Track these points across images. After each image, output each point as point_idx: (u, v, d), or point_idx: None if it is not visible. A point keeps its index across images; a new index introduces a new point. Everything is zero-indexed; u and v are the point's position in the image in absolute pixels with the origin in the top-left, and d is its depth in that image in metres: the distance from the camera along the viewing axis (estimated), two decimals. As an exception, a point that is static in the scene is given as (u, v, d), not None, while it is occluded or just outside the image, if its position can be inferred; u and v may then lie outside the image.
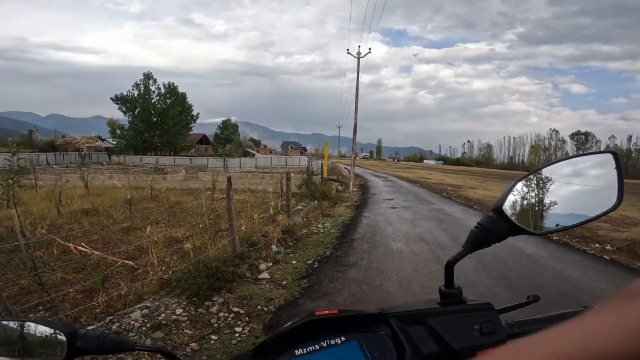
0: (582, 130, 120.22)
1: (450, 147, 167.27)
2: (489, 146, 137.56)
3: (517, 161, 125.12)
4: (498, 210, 0.65)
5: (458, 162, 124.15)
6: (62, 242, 5.61)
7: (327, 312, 0.63)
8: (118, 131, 52.80)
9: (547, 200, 0.69)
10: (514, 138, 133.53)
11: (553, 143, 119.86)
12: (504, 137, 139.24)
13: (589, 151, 0.69)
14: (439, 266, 5.22)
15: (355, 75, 18.48)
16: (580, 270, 5.21)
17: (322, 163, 20.34)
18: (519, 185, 0.69)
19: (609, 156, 0.67)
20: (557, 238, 7.11)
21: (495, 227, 0.65)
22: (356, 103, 18.33)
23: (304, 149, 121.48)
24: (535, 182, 0.70)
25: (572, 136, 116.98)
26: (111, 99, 50.82)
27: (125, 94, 50.92)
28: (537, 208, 0.69)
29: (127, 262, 4.93)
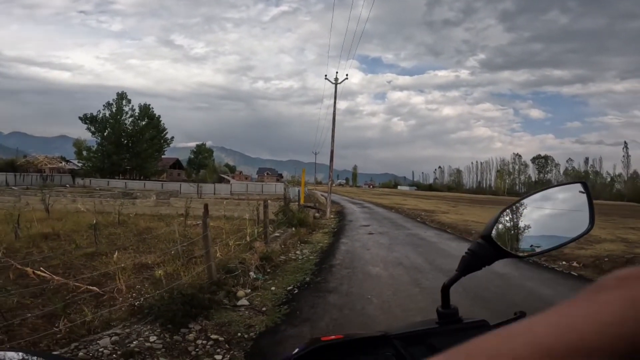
0: (542, 154, 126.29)
1: (422, 173, 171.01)
2: (459, 172, 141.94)
3: (484, 185, 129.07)
4: (486, 237, 0.72)
5: (430, 187, 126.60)
6: (20, 267, 5.19)
7: (332, 337, 0.66)
8: (84, 152, 50.18)
9: (528, 227, 0.77)
10: (481, 163, 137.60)
11: (517, 167, 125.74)
12: (472, 163, 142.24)
13: (562, 182, 0.86)
14: (418, 289, 5.24)
15: (333, 101, 18.86)
16: (550, 287, 5.44)
17: (299, 190, 20.27)
18: (504, 214, 0.77)
19: (579, 185, 0.78)
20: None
21: (484, 253, 0.72)
22: (333, 130, 18.66)
23: (281, 175, 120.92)
24: (517, 210, 0.78)
25: (534, 160, 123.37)
26: (80, 118, 48.38)
27: (95, 113, 48.40)
28: (520, 234, 0.77)
29: (91, 288, 4.60)
